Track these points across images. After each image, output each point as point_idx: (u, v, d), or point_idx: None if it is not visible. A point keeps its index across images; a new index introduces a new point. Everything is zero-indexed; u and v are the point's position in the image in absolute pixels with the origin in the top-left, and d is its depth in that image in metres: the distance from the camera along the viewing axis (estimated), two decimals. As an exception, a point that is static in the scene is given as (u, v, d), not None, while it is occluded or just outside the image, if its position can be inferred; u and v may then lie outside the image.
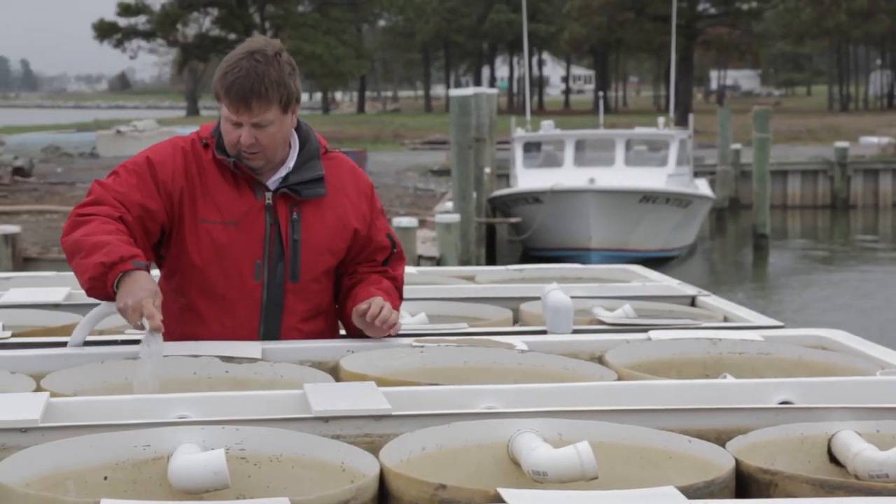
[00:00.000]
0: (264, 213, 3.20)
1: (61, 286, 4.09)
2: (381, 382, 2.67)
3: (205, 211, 3.17)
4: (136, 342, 2.95)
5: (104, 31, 45.77)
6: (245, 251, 3.19)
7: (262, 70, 3.04)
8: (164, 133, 35.67)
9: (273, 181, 3.21)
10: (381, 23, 66.00)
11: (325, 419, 2.38)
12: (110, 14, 46.18)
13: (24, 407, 2.38)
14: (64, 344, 3.13)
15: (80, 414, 2.44)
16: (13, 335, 3.36)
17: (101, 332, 3.42)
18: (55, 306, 3.82)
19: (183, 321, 3.19)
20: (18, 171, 25.03)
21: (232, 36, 47.63)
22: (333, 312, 3.42)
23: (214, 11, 47.62)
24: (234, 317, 3.20)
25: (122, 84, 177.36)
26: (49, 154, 33.19)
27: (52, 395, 2.53)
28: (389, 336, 3.20)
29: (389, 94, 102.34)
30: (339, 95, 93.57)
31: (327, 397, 2.49)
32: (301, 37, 44.55)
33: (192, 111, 73.01)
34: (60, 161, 31.48)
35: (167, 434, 2.27)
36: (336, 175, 3.31)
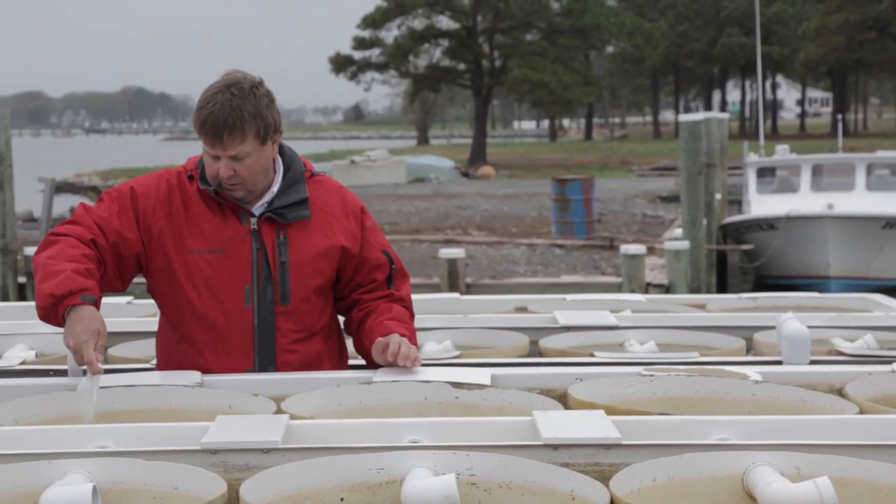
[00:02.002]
0: (250, 238, 3.21)
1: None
2: (611, 411, 2.64)
3: (191, 242, 3.20)
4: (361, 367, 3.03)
5: (340, 64, 47.29)
6: (233, 277, 3.20)
7: (236, 104, 3.05)
8: (396, 162, 36.58)
9: (258, 207, 3.23)
10: (609, 49, 65.68)
11: (555, 447, 2.38)
12: (346, 48, 47.73)
13: (266, 429, 2.47)
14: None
15: (317, 436, 2.51)
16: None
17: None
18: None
19: (179, 352, 3.25)
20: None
21: (462, 66, 48.42)
22: (335, 333, 3.41)
23: (445, 42, 48.48)
24: (226, 342, 3.22)
25: (357, 115, 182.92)
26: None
27: (292, 417, 2.62)
28: (406, 367, 3.13)
29: (617, 120, 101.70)
30: (566, 122, 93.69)
31: (556, 425, 2.48)
32: (529, 65, 44.83)
33: (423, 140, 74.58)
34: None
35: (400, 458, 2.31)
36: (322, 196, 3.30)
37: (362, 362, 3.40)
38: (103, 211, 3.18)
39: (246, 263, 3.19)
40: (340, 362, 3.39)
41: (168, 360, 3.29)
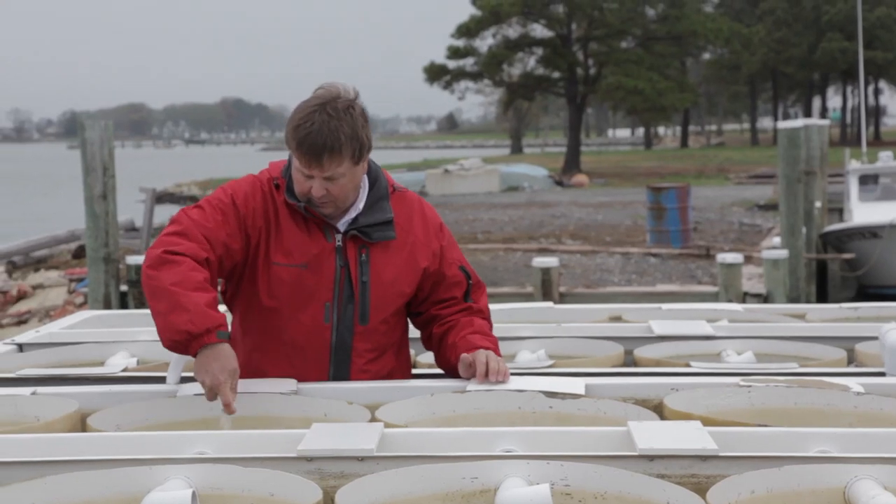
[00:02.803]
0: (334, 255, 3.18)
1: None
2: (707, 422, 2.61)
3: (276, 253, 3.16)
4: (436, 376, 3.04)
5: (434, 73, 47.51)
6: (315, 293, 3.17)
7: (333, 125, 3.00)
8: (489, 171, 36.59)
9: (343, 223, 3.19)
10: (706, 56, 64.96)
11: (650, 457, 2.35)
12: (440, 57, 47.93)
13: (361, 437, 2.49)
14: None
15: (411, 445, 2.52)
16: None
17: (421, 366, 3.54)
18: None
19: (251, 361, 3.22)
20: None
21: (556, 74, 48.31)
22: (405, 348, 3.38)
23: (539, 51, 48.42)
24: (302, 358, 3.20)
25: (450, 124, 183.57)
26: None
27: (386, 425, 2.64)
28: (499, 382, 3.10)
29: (713, 127, 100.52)
30: (661, 130, 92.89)
31: (652, 435, 2.46)
32: (624, 72, 44.56)
33: (517, 149, 74.51)
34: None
35: (494, 467, 2.31)
36: (404, 214, 3.27)
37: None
38: (208, 221, 3.11)
39: (329, 281, 3.18)
40: (408, 377, 3.40)
41: (242, 367, 3.28)
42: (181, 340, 2.93)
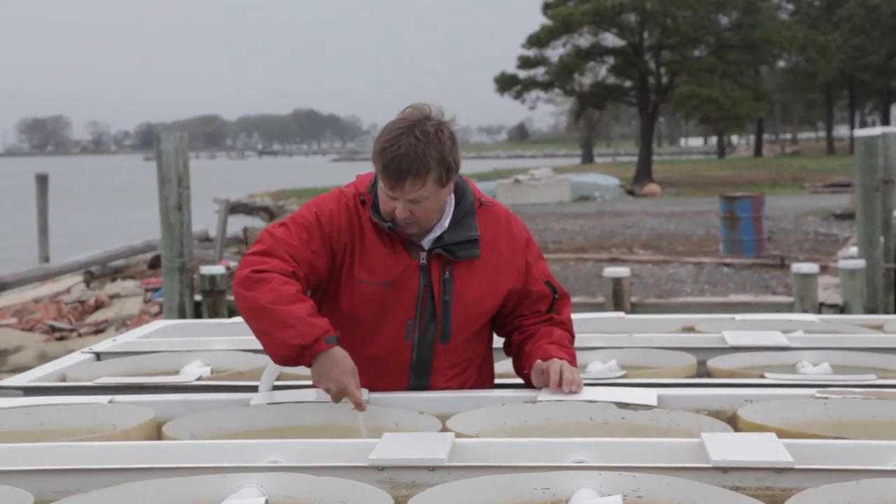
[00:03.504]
0: (418, 273, 3.15)
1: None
2: (782, 434, 2.58)
3: (361, 270, 3.14)
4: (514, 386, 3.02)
5: (505, 83, 47.47)
6: (398, 311, 3.16)
7: (421, 149, 2.96)
8: (560, 181, 36.49)
9: (427, 240, 3.16)
10: (781, 63, 64.18)
11: (724, 469, 2.33)
12: (511, 67, 47.89)
13: (432, 446, 2.50)
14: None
15: (482, 454, 2.52)
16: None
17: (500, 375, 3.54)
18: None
19: None
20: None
21: (627, 83, 48.05)
22: (488, 361, 3.36)
23: (610, 60, 48.19)
24: (382, 375, 3.18)
25: (521, 134, 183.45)
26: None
27: (457, 435, 2.64)
28: (571, 392, 3.08)
29: (788, 136, 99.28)
30: (734, 139, 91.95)
31: (726, 447, 2.43)
32: (697, 81, 44.17)
33: (587, 159, 74.22)
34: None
35: (566, 478, 2.30)
36: (490, 230, 3.22)
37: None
38: (293, 239, 3.12)
39: (412, 299, 3.16)
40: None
41: None
42: (293, 355, 2.98)
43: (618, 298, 12.47)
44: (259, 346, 3.16)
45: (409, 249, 3.17)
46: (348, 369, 2.96)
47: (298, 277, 3.08)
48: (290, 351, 2.96)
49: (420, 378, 3.22)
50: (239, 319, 4.09)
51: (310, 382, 3.45)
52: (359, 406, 2.94)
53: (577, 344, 3.41)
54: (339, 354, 2.97)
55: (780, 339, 4.04)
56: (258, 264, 3.06)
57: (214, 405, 3.11)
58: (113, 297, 16.83)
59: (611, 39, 48.31)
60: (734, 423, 2.88)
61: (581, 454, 2.54)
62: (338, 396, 2.96)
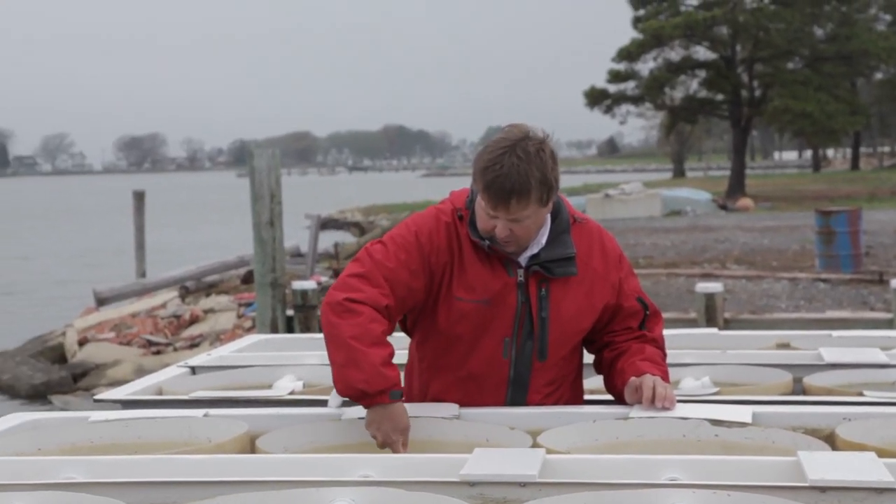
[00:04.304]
0: (516, 290, 3.13)
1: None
2: (883, 453, 2.52)
3: (459, 288, 3.13)
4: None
5: (595, 97, 47.23)
6: (495, 329, 3.14)
7: (523, 170, 2.95)
8: (650, 195, 36.19)
9: (524, 258, 3.14)
10: (879, 75, 62.95)
11: (822, 489, 2.28)
12: (600, 81, 47.66)
13: (523, 462, 2.49)
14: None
15: (574, 471, 2.51)
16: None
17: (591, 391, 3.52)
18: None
19: (428, 390, 3.22)
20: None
21: (720, 97, 47.51)
22: (580, 377, 3.35)
23: (702, 73, 47.71)
24: (479, 392, 3.17)
25: (611, 148, 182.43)
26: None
27: (548, 451, 2.63)
28: (664, 408, 3.04)
29: (886, 149, 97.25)
30: (830, 152, 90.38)
31: (824, 466, 2.38)
32: (791, 94, 43.49)
33: (679, 173, 73.51)
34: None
35: (659, 496, 2.27)
36: (585, 247, 3.20)
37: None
38: (390, 261, 3.12)
39: (509, 316, 3.16)
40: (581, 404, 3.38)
41: (416, 393, 3.33)
42: (354, 396, 3.02)
43: (710, 314, 12.33)
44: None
45: (507, 267, 3.16)
46: (401, 427, 3.00)
47: (391, 309, 3.10)
48: (352, 392, 3.02)
49: (517, 395, 3.21)
50: None
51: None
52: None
53: (669, 360, 3.38)
54: (398, 411, 3.01)
55: (880, 357, 3.95)
56: (354, 291, 3.07)
57: (307, 419, 3.14)
58: (207, 311, 17.10)
59: (702, 52, 47.82)
60: (832, 441, 2.83)
61: (674, 472, 2.51)
62: (381, 447, 3.00)
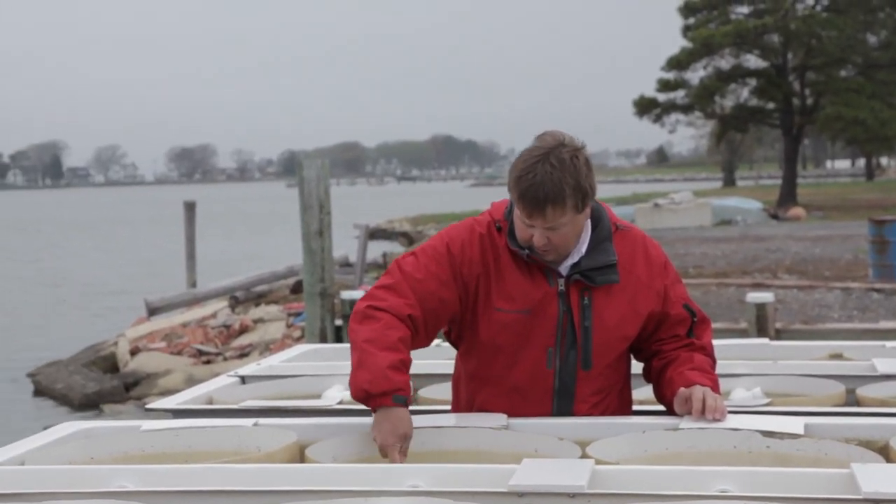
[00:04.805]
0: (557, 299, 3.11)
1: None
2: (938, 467, 2.48)
3: (499, 299, 3.12)
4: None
5: (644, 106, 47.02)
6: (538, 339, 3.12)
7: (557, 177, 2.94)
8: (700, 205, 35.96)
9: (565, 266, 3.12)
10: (932, 82, 62.20)
11: (876, 502, 2.26)
12: (650, 90, 47.45)
13: (572, 473, 2.48)
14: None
15: (623, 482, 2.49)
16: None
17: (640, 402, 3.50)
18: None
19: (474, 401, 3.22)
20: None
21: (770, 105, 47.14)
22: (628, 386, 3.32)
23: (753, 82, 47.36)
24: (524, 403, 3.15)
25: (660, 157, 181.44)
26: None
27: (597, 462, 2.61)
28: (715, 419, 3.00)
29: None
30: (884, 161, 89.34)
31: (878, 478, 2.35)
32: (843, 102, 43.05)
33: (729, 182, 73.01)
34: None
35: (710, 508, 2.25)
36: (627, 254, 3.17)
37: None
38: (419, 272, 3.13)
39: (551, 326, 3.15)
40: (629, 414, 3.36)
41: (463, 404, 3.33)
42: (360, 397, 3.04)
43: (761, 324, 12.21)
44: None
45: (547, 276, 3.15)
46: (400, 432, 2.97)
47: (415, 319, 3.11)
48: (358, 393, 3.03)
49: (563, 405, 3.20)
50: None
51: (447, 407, 3.47)
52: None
53: (719, 371, 3.35)
54: (400, 415, 2.99)
55: (935, 368, 3.89)
56: (378, 300, 3.12)
57: (356, 429, 3.15)
58: (257, 321, 17.21)
59: (753, 61, 47.50)
60: (886, 453, 2.79)
61: (725, 483, 2.49)
62: (381, 452, 2.98)
